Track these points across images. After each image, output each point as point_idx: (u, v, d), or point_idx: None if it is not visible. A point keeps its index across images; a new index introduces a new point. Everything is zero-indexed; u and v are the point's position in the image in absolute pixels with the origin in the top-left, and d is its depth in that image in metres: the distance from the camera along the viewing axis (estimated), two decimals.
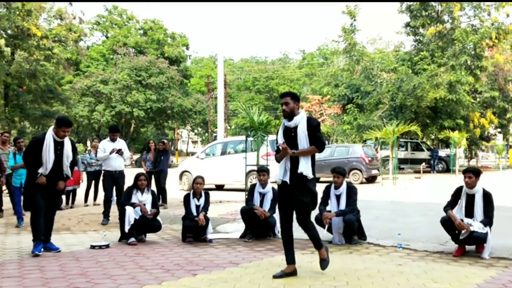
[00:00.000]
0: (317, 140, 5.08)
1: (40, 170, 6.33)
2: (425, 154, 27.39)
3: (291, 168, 5.04)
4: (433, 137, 28.65)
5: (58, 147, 6.41)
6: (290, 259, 5.20)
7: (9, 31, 25.24)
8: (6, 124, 27.61)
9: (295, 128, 5.11)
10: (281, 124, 5.34)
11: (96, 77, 40.81)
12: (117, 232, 7.42)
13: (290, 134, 5.16)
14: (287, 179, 5.05)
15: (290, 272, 5.12)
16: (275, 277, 5.04)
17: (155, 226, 7.27)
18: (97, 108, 40.15)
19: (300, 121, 5.13)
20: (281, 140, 5.17)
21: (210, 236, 7.27)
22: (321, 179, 20.44)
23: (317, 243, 5.23)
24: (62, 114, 7.27)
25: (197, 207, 7.35)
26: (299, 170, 4.98)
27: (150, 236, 7.46)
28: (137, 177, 7.41)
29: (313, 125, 5.12)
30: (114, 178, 9.17)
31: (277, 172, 5.15)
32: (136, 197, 7.31)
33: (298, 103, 5.25)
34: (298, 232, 7.72)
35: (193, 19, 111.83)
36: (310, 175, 5.02)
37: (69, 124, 6.45)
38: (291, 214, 5.16)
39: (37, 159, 6.34)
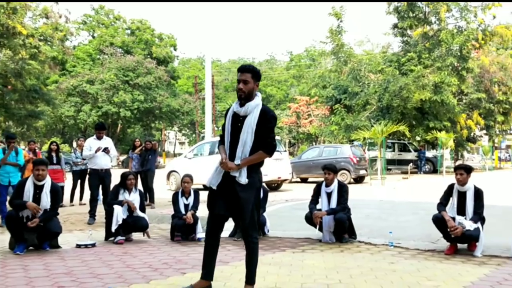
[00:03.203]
0: (268, 142, 3.95)
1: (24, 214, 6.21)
2: (412, 155, 27.48)
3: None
4: (419, 138, 28.75)
5: (37, 190, 6.31)
6: (207, 273, 4.18)
7: None
8: None
9: (244, 117, 3.95)
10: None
11: (83, 77, 40.54)
12: (104, 232, 7.25)
13: (237, 124, 3.97)
14: (214, 186, 4.10)
15: None
16: None
17: (141, 226, 7.10)
18: (83, 109, 39.89)
19: (253, 110, 3.93)
20: (227, 129, 4.03)
21: (199, 235, 7.12)
22: (309, 179, 20.45)
23: (251, 275, 4.12)
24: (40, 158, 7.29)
25: (186, 206, 7.24)
26: (232, 173, 3.96)
27: (137, 236, 7.29)
28: (126, 176, 7.23)
29: (268, 116, 3.94)
30: (100, 177, 9.00)
31: (210, 175, 4.14)
32: (124, 196, 7.13)
33: (258, 85, 4.07)
34: (288, 231, 7.67)
35: (180, 20, 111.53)
36: (243, 180, 3.93)
37: (40, 163, 6.37)
38: (222, 219, 4.22)
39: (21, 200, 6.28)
